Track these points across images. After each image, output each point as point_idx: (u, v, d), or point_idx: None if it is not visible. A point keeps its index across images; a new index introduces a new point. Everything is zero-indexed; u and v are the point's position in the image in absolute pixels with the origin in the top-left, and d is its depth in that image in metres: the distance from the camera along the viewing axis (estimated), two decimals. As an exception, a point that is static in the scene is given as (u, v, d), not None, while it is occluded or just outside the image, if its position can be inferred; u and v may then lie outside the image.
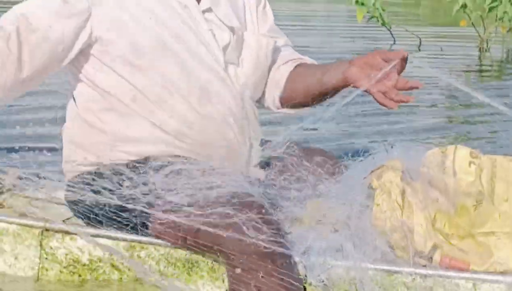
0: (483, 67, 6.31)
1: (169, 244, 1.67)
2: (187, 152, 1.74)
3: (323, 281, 1.63)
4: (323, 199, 1.81)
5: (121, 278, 1.75)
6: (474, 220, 1.75)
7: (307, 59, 2.03)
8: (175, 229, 1.63)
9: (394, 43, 6.80)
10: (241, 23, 1.91)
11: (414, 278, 1.68)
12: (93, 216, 1.71)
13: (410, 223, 1.70)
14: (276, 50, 1.97)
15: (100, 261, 1.75)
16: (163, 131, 1.74)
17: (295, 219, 1.76)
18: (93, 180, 1.69)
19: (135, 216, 1.65)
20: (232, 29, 1.85)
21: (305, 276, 1.65)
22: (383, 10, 6.75)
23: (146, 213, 1.63)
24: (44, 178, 1.86)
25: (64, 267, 1.75)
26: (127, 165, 1.72)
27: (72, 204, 1.79)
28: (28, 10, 1.74)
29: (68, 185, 1.79)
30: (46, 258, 1.77)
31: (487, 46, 6.63)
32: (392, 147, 1.88)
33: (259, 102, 1.99)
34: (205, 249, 1.62)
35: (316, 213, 1.80)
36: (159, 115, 1.73)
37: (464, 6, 6.48)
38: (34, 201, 1.90)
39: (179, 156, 1.73)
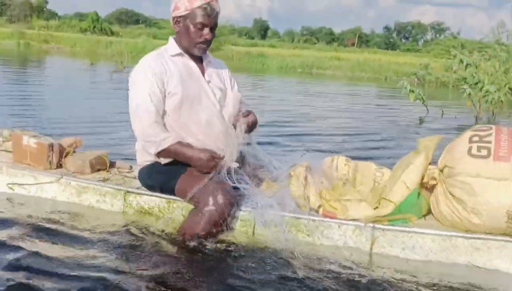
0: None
1: (183, 200, 3.26)
2: None
3: (262, 222, 3.16)
4: (270, 181, 3.35)
5: (164, 215, 3.36)
6: (341, 192, 3.34)
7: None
8: (183, 193, 3.20)
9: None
10: (224, 84, 3.48)
11: (308, 221, 3.15)
12: (149, 186, 3.36)
13: (308, 194, 3.23)
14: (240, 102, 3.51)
15: (153, 209, 3.39)
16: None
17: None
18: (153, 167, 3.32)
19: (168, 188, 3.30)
20: (221, 88, 3.43)
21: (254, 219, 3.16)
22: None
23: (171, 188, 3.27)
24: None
25: (135, 210, 3.43)
26: (167, 163, 3.29)
27: (140, 179, 3.43)
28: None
29: (140, 170, 3.42)
30: (126, 206, 3.45)
31: (479, 116, 11.37)
32: (304, 154, 3.56)
33: None
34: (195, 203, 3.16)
35: (267, 187, 3.33)
36: (185, 136, 3.24)
37: (469, 94, 11.76)
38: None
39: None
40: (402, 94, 12.70)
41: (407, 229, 3.09)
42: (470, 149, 3.10)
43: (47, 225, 3.27)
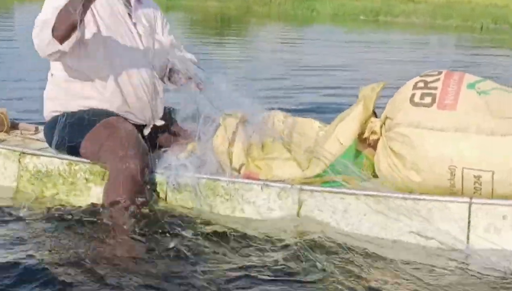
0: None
1: (89, 161, 3.23)
2: (116, 108, 3.20)
3: (174, 185, 3.11)
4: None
5: (65, 179, 3.29)
6: (268, 150, 3.26)
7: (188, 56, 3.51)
8: (92, 153, 3.17)
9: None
10: (152, 29, 3.42)
11: (228, 184, 3.09)
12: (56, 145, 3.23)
13: (232, 150, 3.16)
14: (171, 47, 3.48)
15: (51, 172, 3.31)
16: (101, 93, 3.20)
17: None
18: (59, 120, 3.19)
19: (74, 147, 3.21)
20: (149, 32, 3.37)
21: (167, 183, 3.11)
22: None
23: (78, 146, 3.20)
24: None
25: (32, 175, 3.36)
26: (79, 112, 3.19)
27: (45, 136, 3.37)
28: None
29: (45, 125, 3.34)
30: (22, 169, 3.37)
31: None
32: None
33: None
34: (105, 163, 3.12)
35: (191, 148, 3.25)
36: (99, 83, 3.18)
37: None
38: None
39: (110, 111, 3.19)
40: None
41: (335, 190, 3.00)
42: (412, 96, 3.00)
43: None
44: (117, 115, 3.22)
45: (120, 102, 3.25)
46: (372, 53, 13.85)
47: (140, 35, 3.36)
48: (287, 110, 3.58)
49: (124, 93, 3.25)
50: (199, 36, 14.20)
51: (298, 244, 2.82)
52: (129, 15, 3.35)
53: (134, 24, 3.36)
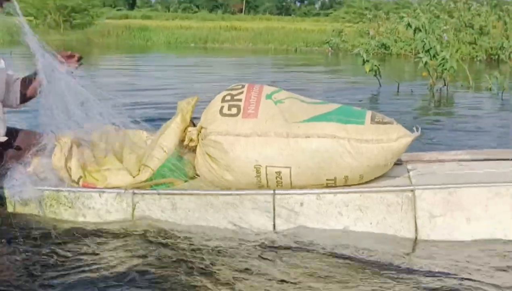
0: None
1: None
2: None
3: (18, 200, 3.51)
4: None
5: None
6: (103, 163, 3.74)
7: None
8: None
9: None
10: None
11: (69, 193, 3.50)
12: None
13: (70, 165, 3.56)
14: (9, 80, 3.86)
15: None
16: None
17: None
18: None
19: None
20: None
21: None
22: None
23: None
24: None
25: None
26: None
27: None
28: None
29: None
30: None
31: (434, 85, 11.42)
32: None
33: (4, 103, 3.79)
34: None
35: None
36: None
37: (426, 63, 11.12)
38: None
39: None
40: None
41: (163, 191, 3.46)
42: (221, 108, 3.47)
43: None
44: None
45: None
46: (197, 74, 15.12)
47: None
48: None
49: None
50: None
51: (131, 239, 3.30)
52: None
53: None
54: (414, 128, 3.28)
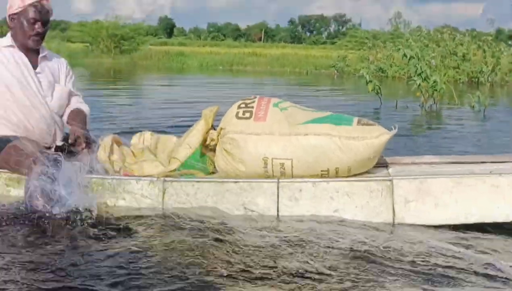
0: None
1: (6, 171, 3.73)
2: (20, 135, 3.70)
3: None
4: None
5: None
6: (140, 156, 3.96)
7: (82, 107, 4.06)
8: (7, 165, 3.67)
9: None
10: (55, 78, 3.95)
11: (112, 180, 3.62)
12: None
13: (112, 159, 3.80)
14: (70, 95, 4.05)
15: None
16: (7, 126, 3.75)
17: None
18: None
19: None
20: (49, 80, 3.89)
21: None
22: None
23: None
24: None
25: None
26: None
27: None
28: None
29: None
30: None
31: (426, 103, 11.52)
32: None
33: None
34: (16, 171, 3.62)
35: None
36: (6, 118, 3.73)
37: (419, 85, 11.34)
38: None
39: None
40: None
41: (188, 180, 3.64)
42: (237, 113, 3.66)
43: None
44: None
45: (22, 132, 3.76)
46: (223, 90, 15.67)
47: (40, 82, 3.85)
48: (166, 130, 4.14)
49: (28, 125, 3.77)
50: (99, 85, 15.09)
51: (161, 218, 3.48)
52: (34, 66, 3.84)
53: (36, 74, 3.84)
54: (392, 127, 3.42)
